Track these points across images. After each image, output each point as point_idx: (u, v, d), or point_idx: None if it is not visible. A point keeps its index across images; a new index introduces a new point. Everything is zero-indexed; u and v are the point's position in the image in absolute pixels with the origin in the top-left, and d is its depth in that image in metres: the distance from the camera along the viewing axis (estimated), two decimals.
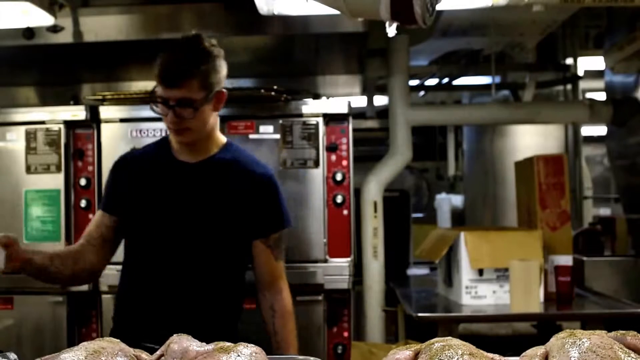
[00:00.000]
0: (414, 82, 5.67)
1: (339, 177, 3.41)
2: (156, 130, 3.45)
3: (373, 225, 4.10)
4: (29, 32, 3.39)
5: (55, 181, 3.43)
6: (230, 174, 2.21)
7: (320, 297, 3.38)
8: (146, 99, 3.55)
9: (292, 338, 2.23)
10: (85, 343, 1.17)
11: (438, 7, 1.54)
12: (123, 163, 2.33)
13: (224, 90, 2.22)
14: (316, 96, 3.70)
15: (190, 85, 2.09)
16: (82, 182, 3.44)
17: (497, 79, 5.43)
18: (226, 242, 2.19)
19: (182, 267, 2.18)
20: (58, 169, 3.42)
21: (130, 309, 2.24)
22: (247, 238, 2.22)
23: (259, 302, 2.28)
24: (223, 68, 2.21)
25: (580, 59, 5.56)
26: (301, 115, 3.42)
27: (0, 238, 1.96)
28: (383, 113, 5.07)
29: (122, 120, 3.47)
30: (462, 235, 3.29)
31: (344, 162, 3.44)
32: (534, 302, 3.04)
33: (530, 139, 5.36)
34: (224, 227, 2.18)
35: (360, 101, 5.54)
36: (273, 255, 2.24)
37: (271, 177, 2.28)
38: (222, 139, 2.30)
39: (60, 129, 3.46)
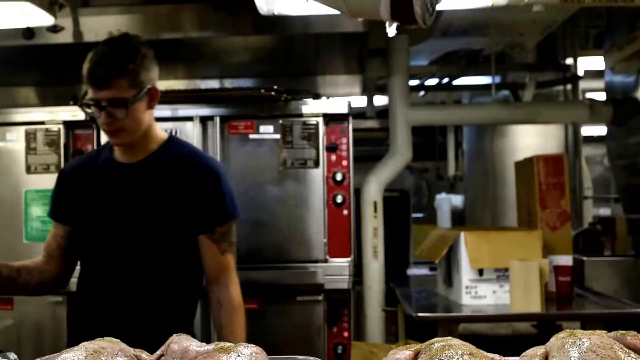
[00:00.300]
0: (414, 82, 5.67)
1: (339, 177, 3.42)
2: None
3: (373, 225, 4.10)
4: (29, 32, 3.39)
5: (55, 180, 3.42)
6: (171, 170, 2.18)
7: (320, 297, 3.38)
8: None
9: (239, 332, 2.17)
10: (85, 343, 1.16)
11: (438, 7, 1.54)
12: (67, 171, 2.32)
13: (157, 87, 2.18)
14: (316, 96, 3.70)
15: (119, 84, 2.06)
16: None
17: (497, 79, 5.43)
18: (172, 240, 2.17)
19: (131, 268, 2.17)
20: (58, 169, 3.42)
21: (85, 312, 2.24)
22: (192, 233, 2.18)
23: (208, 296, 2.24)
24: (153, 66, 2.17)
25: (580, 59, 5.56)
26: (301, 115, 3.43)
27: None
28: (383, 113, 5.07)
29: None
30: (462, 235, 3.29)
31: (344, 162, 3.44)
32: (534, 302, 3.04)
33: (530, 139, 5.36)
34: (168, 225, 2.16)
35: (360, 101, 5.55)
36: (219, 250, 2.19)
37: (213, 169, 2.22)
38: (163, 135, 2.25)
39: (59, 129, 3.46)
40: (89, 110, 2.16)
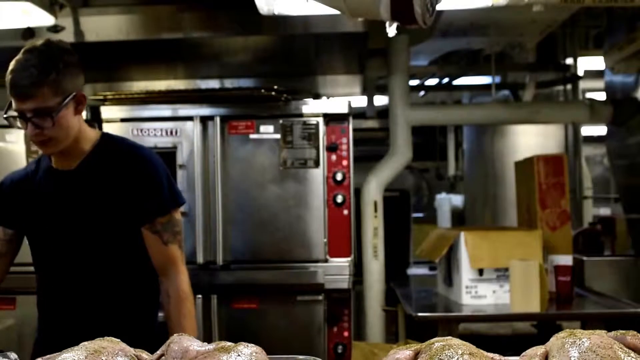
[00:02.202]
0: (414, 82, 5.68)
1: (339, 177, 3.42)
2: (157, 130, 3.46)
3: (373, 225, 4.10)
4: (30, 32, 3.39)
5: None
6: (106, 169, 2.15)
7: (320, 297, 3.38)
8: (147, 99, 3.57)
9: (187, 323, 2.14)
10: (85, 343, 1.17)
11: (438, 7, 1.54)
12: (8, 181, 2.28)
13: (83, 92, 2.13)
14: (316, 96, 3.70)
15: (42, 94, 2.00)
16: None
17: (497, 79, 5.43)
18: (119, 237, 2.16)
19: (85, 270, 2.16)
20: None
21: (48, 318, 2.22)
22: (136, 227, 2.16)
23: (160, 286, 2.23)
24: (78, 72, 2.12)
25: (580, 59, 5.56)
26: (301, 115, 3.43)
27: None
28: (383, 113, 5.07)
29: (123, 120, 3.47)
30: (462, 235, 3.29)
31: (344, 162, 3.44)
32: (534, 302, 3.04)
33: (530, 139, 5.36)
34: (112, 222, 2.14)
35: (361, 101, 5.55)
36: (162, 240, 2.15)
37: (145, 157, 2.18)
38: (95, 134, 2.21)
39: None
40: (16, 123, 2.08)
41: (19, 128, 2.11)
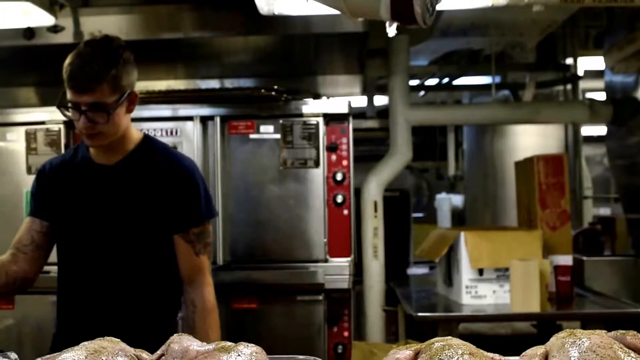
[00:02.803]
0: (414, 82, 5.68)
1: (339, 177, 3.42)
2: (157, 130, 3.46)
3: (373, 225, 4.10)
4: (30, 32, 3.39)
5: None
6: (147, 171, 2.17)
7: (320, 297, 3.38)
8: (147, 99, 3.57)
9: (213, 334, 2.16)
10: (85, 343, 1.17)
11: (438, 7, 1.54)
12: (46, 169, 2.29)
13: (135, 91, 2.16)
14: (316, 96, 3.70)
15: (102, 89, 2.03)
16: None
17: (497, 79, 5.43)
18: (148, 240, 2.17)
19: (110, 267, 2.17)
20: None
21: (69, 313, 2.23)
22: (167, 233, 2.17)
23: (184, 295, 2.24)
24: (134, 70, 2.15)
25: (580, 59, 5.56)
26: (301, 115, 3.43)
27: None
28: (383, 113, 5.07)
29: None
30: (462, 235, 3.29)
31: (344, 162, 3.44)
32: (534, 301, 3.04)
33: (530, 139, 5.36)
34: (144, 225, 2.15)
35: (361, 101, 5.55)
36: (194, 250, 2.17)
37: (188, 168, 2.20)
38: (138, 135, 2.24)
39: (60, 129, 3.46)
40: (67, 113, 2.12)
41: (69, 118, 2.14)
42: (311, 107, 3.44)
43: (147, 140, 2.24)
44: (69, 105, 2.07)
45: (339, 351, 3.42)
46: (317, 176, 3.41)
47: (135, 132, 2.23)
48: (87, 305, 2.18)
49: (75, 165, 2.22)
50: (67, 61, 2.06)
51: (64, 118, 3.43)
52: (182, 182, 2.18)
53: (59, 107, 2.15)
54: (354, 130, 3.52)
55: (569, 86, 5.66)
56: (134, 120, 3.42)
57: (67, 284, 2.24)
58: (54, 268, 3.45)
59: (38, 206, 2.24)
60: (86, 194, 2.18)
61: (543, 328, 3.88)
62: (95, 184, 2.18)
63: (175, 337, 1.21)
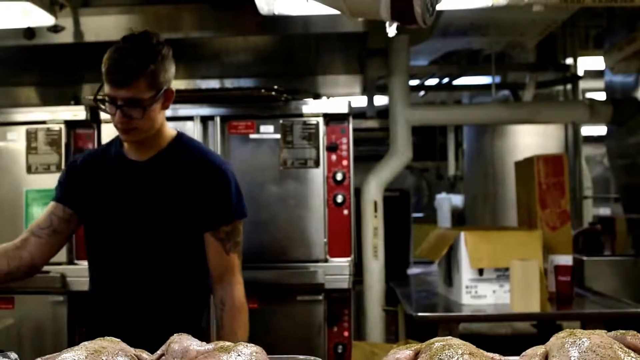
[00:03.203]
0: (414, 82, 5.68)
1: (339, 176, 3.42)
2: None
3: (373, 225, 4.10)
4: (30, 32, 3.39)
5: (56, 181, 3.43)
6: (179, 168, 2.18)
7: (320, 297, 3.39)
8: None
9: (240, 333, 2.15)
10: (85, 342, 1.17)
11: (438, 7, 1.54)
12: (78, 162, 2.30)
13: (172, 88, 2.18)
14: (316, 96, 3.70)
15: (139, 85, 2.05)
16: None
17: (497, 79, 5.44)
18: (179, 236, 2.17)
19: (139, 263, 2.18)
20: (59, 169, 3.42)
21: (97, 307, 2.24)
22: (198, 231, 2.17)
23: (213, 293, 2.24)
24: (172, 66, 2.17)
25: (580, 59, 5.56)
26: (301, 115, 3.43)
27: None
28: (383, 113, 5.07)
29: None
30: (462, 235, 3.29)
31: (344, 162, 3.44)
32: (534, 301, 3.04)
33: (530, 139, 5.36)
34: (174, 221, 2.16)
35: (361, 101, 5.55)
36: (224, 249, 2.17)
37: (220, 167, 2.21)
38: (172, 132, 2.25)
39: (60, 128, 3.46)
40: (103, 107, 2.14)
41: (105, 112, 2.15)
42: (311, 107, 3.44)
43: (181, 138, 2.25)
44: (106, 99, 2.08)
45: (339, 351, 3.42)
46: (317, 176, 3.42)
47: (169, 129, 2.24)
48: (115, 301, 2.19)
49: (107, 159, 2.24)
50: (106, 55, 2.08)
51: (64, 117, 3.47)
52: (214, 180, 2.18)
53: (95, 101, 2.17)
54: (354, 130, 3.52)
55: (569, 86, 5.66)
56: None
57: (97, 277, 2.25)
58: (55, 268, 3.47)
59: (64, 194, 2.24)
60: (117, 188, 2.19)
61: (543, 328, 3.88)
62: (126, 178, 2.19)
63: (175, 337, 1.21)
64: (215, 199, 2.17)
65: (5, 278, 2.15)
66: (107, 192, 2.20)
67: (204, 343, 1.19)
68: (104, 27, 3.53)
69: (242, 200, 2.24)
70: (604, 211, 7.13)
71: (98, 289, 2.24)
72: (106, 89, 2.07)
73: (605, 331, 1.12)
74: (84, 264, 3.19)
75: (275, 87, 3.46)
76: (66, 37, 3.48)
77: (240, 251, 2.23)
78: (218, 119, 3.41)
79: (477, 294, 3.26)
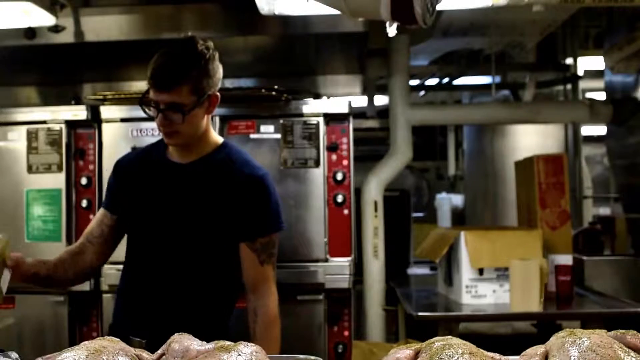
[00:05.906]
0: (414, 82, 5.68)
1: (339, 176, 3.42)
2: (156, 130, 3.44)
3: (373, 225, 4.10)
4: (31, 32, 3.39)
5: (57, 181, 3.44)
6: (219, 175, 2.19)
7: (320, 297, 3.39)
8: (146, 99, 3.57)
9: (273, 345, 2.17)
10: (86, 342, 1.17)
11: (438, 7, 1.54)
12: (123, 163, 2.35)
13: (217, 93, 2.19)
14: (317, 96, 3.70)
15: (180, 90, 2.07)
16: (83, 181, 3.45)
17: (497, 79, 5.44)
18: (213, 243, 2.18)
19: (173, 265, 2.19)
20: (59, 169, 3.43)
21: (126, 305, 2.27)
22: (234, 240, 2.19)
23: (247, 304, 2.26)
24: (217, 71, 2.18)
25: (580, 59, 5.57)
26: (302, 115, 3.43)
27: (11, 259, 1.97)
28: (383, 113, 5.07)
29: (123, 120, 3.47)
30: (463, 234, 3.29)
31: (345, 162, 3.44)
32: (534, 301, 3.04)
33: (530, 139, 5.36)
34: (211, 227, 2.17)
35: (361, 101, 5.55)
36: (259, 260, 2.18)
37: (261, 179, 2.21)
38: (218, 139, 2.27)
39: (61, 128, 3.46)
40: (148, 110, 2.17)
41: (148, 115, 2.18)
42: (311, 107, 3.44)
43: (226, 146, 2.26)
44: (151, 102, 2.12)
45: (339, 351, 3.42)
46: (318, 176, 3.42)
47: (216, 136, 2.27)
48: (144, 298, 2.21)
49: (150, 161, 2.26)
50: (153, 59, 2.11)
51: (65, 117, 3.47)
52: (254, 192, 2.18)
53: (140, 104, 2.19)
54: (354, 130, 3.52)
55: (569, 86, 5.67)
56: (134, 120, 3.46)
57: (130, 276, 2.27)
58: None
59: (111, 200, 2.29)
60: (157, 190, 2.21)
61: (543, 328, 3.88)
62: (167, 181, 2.21)
63: (175, 337, 1.21)
64: (254, 211, 2.18)
65: (72, 281, 2.27)
66: (148, 193, 2.22)
67: (204, 343, 1.20)
68: (105, 27, 3.53)
69: (280, 214, 2.25)
70: (604, 211, 7.14)
71: (131, 285, 2.26)
72: (151, 92, 2.11)
73: (605, 331, 1.13)
74: None
75: (276, 87, 3.46)
76: (67, 37, 3.48)
77: (275, 262, 2.24)
78: (218, 119, 3.41)
79: (477, 294, 3.27)
